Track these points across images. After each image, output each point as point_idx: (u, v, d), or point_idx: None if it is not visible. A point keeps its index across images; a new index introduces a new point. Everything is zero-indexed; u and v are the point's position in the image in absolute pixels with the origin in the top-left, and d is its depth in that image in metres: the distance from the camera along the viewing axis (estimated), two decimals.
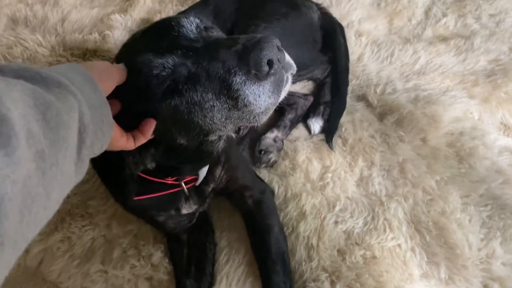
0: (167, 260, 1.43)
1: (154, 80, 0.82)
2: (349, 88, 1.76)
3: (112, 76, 0.81)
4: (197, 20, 0.91)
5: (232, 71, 0.78)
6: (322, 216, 1.45)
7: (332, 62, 1.77)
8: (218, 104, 0.82)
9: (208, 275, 1.38)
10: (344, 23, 1.92)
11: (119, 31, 2.10)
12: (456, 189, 1.44)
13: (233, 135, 0.97)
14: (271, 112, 0.86)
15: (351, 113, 1.70)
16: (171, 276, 1.40)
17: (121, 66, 0.85)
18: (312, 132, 1.69)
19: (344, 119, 1.68)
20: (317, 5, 1.86)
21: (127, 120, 0.86)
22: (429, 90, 1.73)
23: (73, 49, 2.03)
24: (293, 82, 1.76)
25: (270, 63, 0.76)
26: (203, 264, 1.39)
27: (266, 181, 1.55)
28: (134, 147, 0.87)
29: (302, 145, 1.64)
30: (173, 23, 0.89)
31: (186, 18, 0.90)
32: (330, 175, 1.54)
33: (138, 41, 0.92)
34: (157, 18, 2.13)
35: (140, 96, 0.85)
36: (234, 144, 1.44)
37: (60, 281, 1.46)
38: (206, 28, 0.92)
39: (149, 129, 0.88)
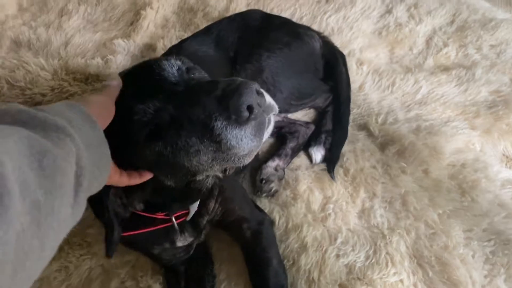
0: None
1: (135, 125, 0.83)
2: (351, 117, 1.76)
3: (112, 110, 0.81)
4: (179, 62, 0.92)
5: (213, 116, 0.78)
6: (324, 248, 1.43)
7: (334, 91, 1.78)
8: (203, 147, 0.82)
9: None
10: (345, 52, 1.93)
11: (122, 56, 2.11)
12: (459, 223, 1.43)
13: (220, 175, 0.97)
14: (255, 153, 0.86)
15: (353, 142, 1.69)
16: None
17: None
18: (314, 161, 1.68)
19: (346, 148, 1.67)
20: (319, 33, 1.87)
21: (121, 155, 0.86)
22: (431, 121, 1.73)
23: (76, 73, 2.03)
24: (295, 110, 1.79)
25: (250, 108, 0.76)
26: None
27: (266, 211, 1.53)
28: (127, 184, 0.87)
29: (304, 175, 1.63)
30: (154, 66, 0.90)
31: (167, 60, 0.91)
32: (331, 206, 1.53)
33: (127, 83, 0.92)
34: (160, 43, 2.14)
35: (124, 140, 0.85)
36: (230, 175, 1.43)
37: None
38: (188, 69, 0.93)
39: (148, 175, 0.89)
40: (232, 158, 0.84)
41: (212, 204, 1.28)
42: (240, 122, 0.77)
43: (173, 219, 1.15)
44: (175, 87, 0.85)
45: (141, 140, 0.84)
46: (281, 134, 1.76)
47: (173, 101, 0.83)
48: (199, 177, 0.98)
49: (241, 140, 0.79)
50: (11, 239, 0.45)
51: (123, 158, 0.87)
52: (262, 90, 0.81)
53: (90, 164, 0.65)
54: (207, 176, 1.04)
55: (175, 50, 1.62)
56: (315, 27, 2.03)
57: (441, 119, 1.73)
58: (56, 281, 1.47)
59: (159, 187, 0.97)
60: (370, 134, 1.74)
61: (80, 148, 0.64)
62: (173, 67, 0.90)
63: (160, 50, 2.10)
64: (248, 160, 0.86)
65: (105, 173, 0.72)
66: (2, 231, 0.43)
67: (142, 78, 0.89)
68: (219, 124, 0.78)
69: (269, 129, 0.86)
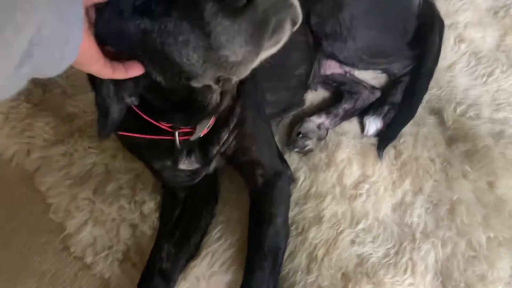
0: (157, 215, 1.29)
1: None
2: (426, 96, 1.48)
3: None
4: None
5: None
6: (340, 229, 1.23)
7: (417, 61, 1.49)
8: (193, 39, 0.66)
9: (192, 245, 1.23)
10: (447, 21, 1.62)
11: None
12: (510, 256, 1.17)
13: (214, 86, 0.81)
14: (252, 65, 0.69)
15: (418, 125, 1.43)
16: (155, 233, 1.26)
17: None
18: (366, 132, 1.45)
19: (407, 129, 1.42)
20: None
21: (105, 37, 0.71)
22: None
23: None
24: (364, 68, 1.53)
25: None
26: (191, 232, 1.24)
27: (293, 167, 1.35)
28: (110, 77, 0.72)
29: (348, 142, 1.40)
30: None
31: None
32: (367, 186, 1.31)
33: None
34: None
35: (109, 14, 0.70)
36: (258, 109, 1.24)
37: (49, 195, 1.38)
38: None
39: (134, 71, 0.74)
40: (224, 64, 0.67)
41: (224, 134, 1.11)
42: (233, 10, 0.60)
43: (176, 134, 1.01)
44: None
45: (127, 11, 0.68)
46: (339, 91, 1.52)
47: None
48: (195, 84, 0.80)
49: (233, 38, 0.62)
50: None
51: (107, 39, 0.72)
52: None
53: (53, 40, 0.51)
54: (207, 88, 0.85)
55: None
56: None
57: None
58: (57, 164, 1.41)
59: (153, 85, 0.81)
60: (441, 122, 1.45)
61: (52, 14, 0.48)
62: None
63: None
64: (243, 72, 0.70)
65: (67, 61, 0.57)
66: None
67: None
68: (209, 7, 0.61)
69: (279, 38, 0.68)
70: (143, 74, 0.77)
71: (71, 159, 1.41)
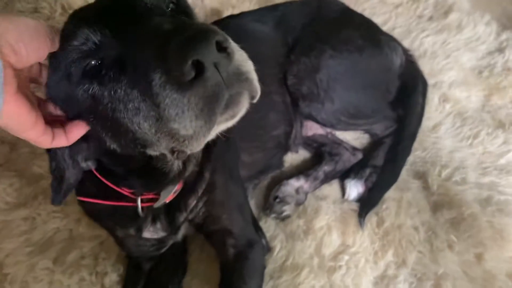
0: None
1: (71, 54, 0.65)
2: (410, 158, 1.42)
3: (41, 39, 0.60)
4: None
5: (152, 66, 0.57)
6: None
7: (400, 122, 1.44)
8: (144, 108, 0.62)
9: None
10: (431, 81, 1.59)
11: None
12: None
13: (169, 156, 0.76)
14: (205, 139, 0.64)
15: (401, 190, 1.36)
16: None
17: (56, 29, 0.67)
18: (347, 196, 1.38)
19: (390, 194, 1.35)
20: (405, 50, 1.53)
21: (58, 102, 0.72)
22: (508, 196, 1.35)
23: None
24: (344, 129, 1.48)
25: (198, 65, 0.54)
26: None
27: (268, 235, 1.27)
28: (49, 147, 0.69)
29: (328, 208, 1.33)
30: None
31: None
32: (347, 257, 1.23)
33: (88, 6, 0.73)
34: (227, 12, 1.91)
35: (60, 73, 0.68)
36: (231, 172, 1.17)
37: (6, 263, 1.27)
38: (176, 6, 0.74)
39: (76, 133, 0.71)
40: (176, 137, 0.63)
41: (192, 201, 1.04)
42: (181, 82, 0.56)
43: (138, 200, 0.94)
44: (137, 20, 0.65)
45: (76, 76, 0.66)
46: (320, 152, 1.46)
47: (126, 35, 0.63)
48: (151, 152, 0.76)
49: (182, 112, 0.58)
50: None
51: (57, 102, 0.71)
52: (233, 47, 0.59)
53: None
54: (165, 156, 0.81)
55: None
56: (406, 43, 1.69)
57: None
58: (17, 229, 1.32)
59: (109, 150, 0.77)
60: (426, 187, 1.39)
61: None
62: None
63: None
64: (197, 146, 0.65)
65: None
66: None
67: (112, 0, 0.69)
68: (156, 78, 0.57)
69: (234, 112, 0.64)
70: (94, 139, 0.75)
71: (33, 224, 1.32)
